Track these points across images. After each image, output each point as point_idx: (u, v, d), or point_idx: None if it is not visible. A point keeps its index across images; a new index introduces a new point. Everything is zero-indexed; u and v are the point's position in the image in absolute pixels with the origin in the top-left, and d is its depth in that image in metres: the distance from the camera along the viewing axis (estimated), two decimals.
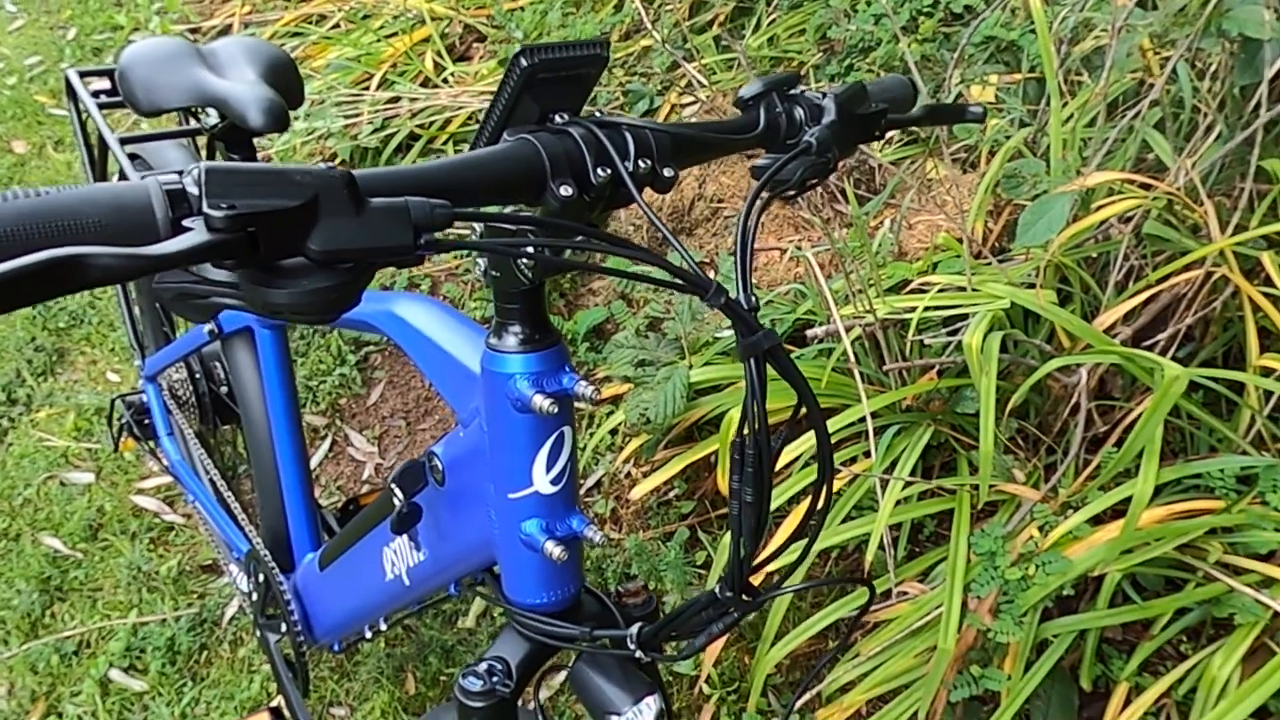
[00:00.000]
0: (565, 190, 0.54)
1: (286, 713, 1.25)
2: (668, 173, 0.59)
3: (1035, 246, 1.55)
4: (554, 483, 0.70)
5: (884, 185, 2.07)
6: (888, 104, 0.70)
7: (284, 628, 1.31)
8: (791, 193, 0.68)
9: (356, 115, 2.71)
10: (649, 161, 0.58)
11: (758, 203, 0.63)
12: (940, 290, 1.56)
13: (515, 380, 0.67)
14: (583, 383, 0.67)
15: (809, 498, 0.58)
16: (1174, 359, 1.49)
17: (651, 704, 0.72)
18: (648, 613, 0.79)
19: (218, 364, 1.58)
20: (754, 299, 0.54)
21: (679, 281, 0.52)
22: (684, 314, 1.85)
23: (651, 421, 1.67)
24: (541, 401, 0.65)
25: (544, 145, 0.54)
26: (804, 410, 0.55)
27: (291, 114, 1.08)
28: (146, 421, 1.67)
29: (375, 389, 2.22)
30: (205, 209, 0.40)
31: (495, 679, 0.73)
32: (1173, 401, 1.26)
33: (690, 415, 1.73)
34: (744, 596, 0.60)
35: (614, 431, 1.91)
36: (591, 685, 0.73)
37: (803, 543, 0.61)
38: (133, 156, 1.53)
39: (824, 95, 0.67)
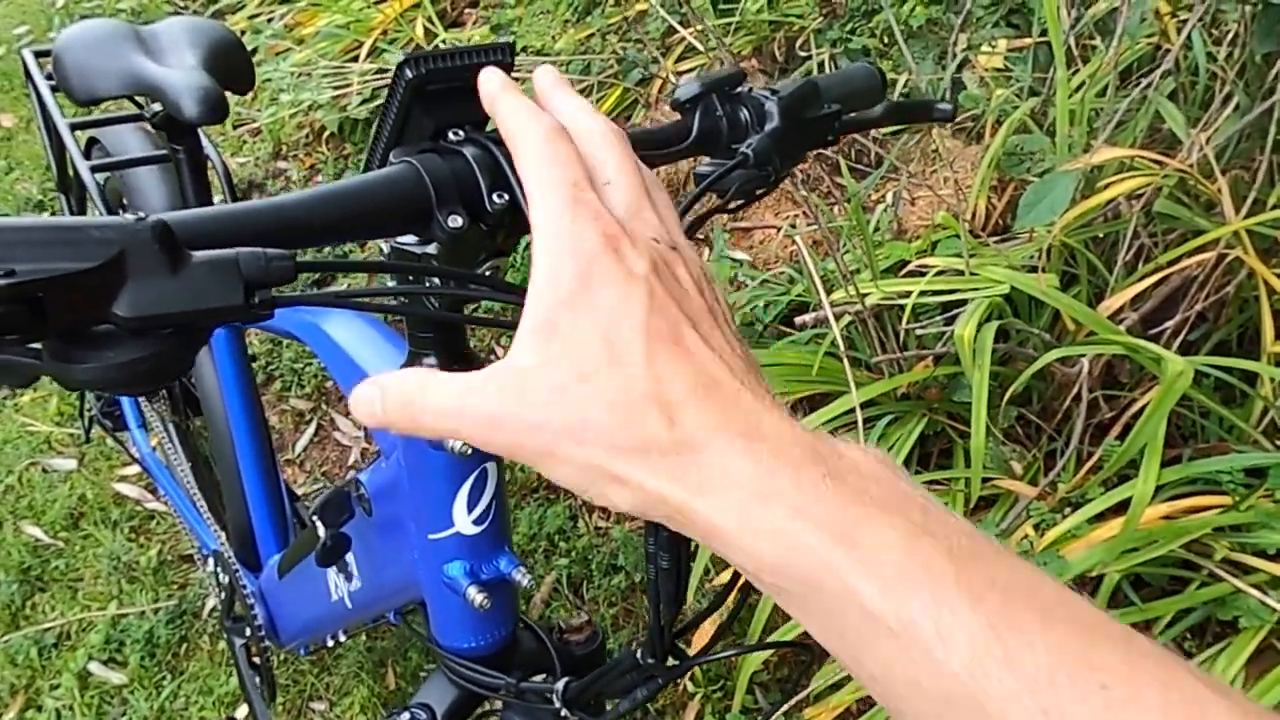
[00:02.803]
0: (454, 221, 0.47)
1: (248, 719, 1.22)
2: None
3: (1039, 227, 1.47)
4: (477, 523, 0.64)
5: (884, 158, 1.98)
6: (844, 101, 0.62)
7: (249, 631, 1.27)
8: (734, 204, 0.61)
9: (346, 86, 2.63)
10: None
11: (690, 216, 0.57)
12: (938, 273, 1.49)
13: None
14: None
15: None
16: (1184, 344, 1.42)
17: None
18: (591, 650, 0.74)
19: None
20: None
21: None
22: None
23: None
24: (453, 442, 0.59)
25: (427, 169, 0.47)
26: None
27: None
28: (116, 412, 1.62)
29: None
30: None
31: None
32: (1176, 396, 1.19)
33: None
34: (669, 661, 0.54)
35: None
36: None
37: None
38: (94, 141, 1.47)
39: (771, 94, 0.60)
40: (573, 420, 0.33)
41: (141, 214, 0.37)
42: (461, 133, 0.50)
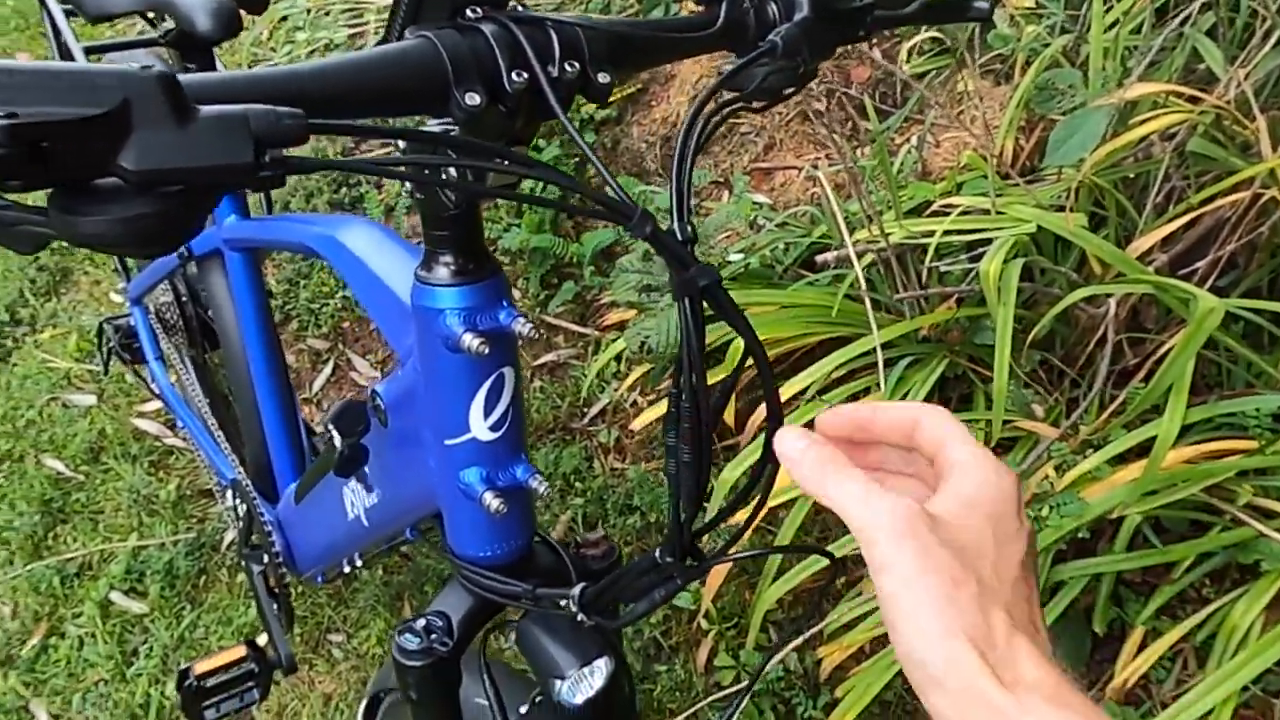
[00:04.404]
0: (472, 99, 0.46)
1: (268, 646, 1.23)
2: (603, 78, 0.51)
3: (1067, 166, 1.43)
4: (493, 429, 0.63)
5: (909, 99, 1.94)
6: None
7: (266, 558, 1.28)
8: (758, 104, 0.59)
9: (363, 23, 2.60)
10: (577, 65, 0.49)
11: (706, 114, 0.55)
12: (963, 213, 1.46)
13: (445, 316, 0.59)
14: (521, 319, 0.60)
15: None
16: (1213, 288, 1.39)
17: (602, 666, 0.67)
18: (608, 565, 0.73)
19: (204, 287, 1.53)
20: (690, 229, 0.46)
21: (600, 209, 0.44)
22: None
23: (653, 350, 1.59)
24: (472, 340, 0.58)
25: (445, 45, 0.45)
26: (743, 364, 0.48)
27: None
28: (135, 345, 1.63)
29: None
30: None
31: (434, 636, 0.68)
32: (1206, 335, 1.16)
33: None
34: (688, 561, 0.54)
35: (619, 358, 1.84)
36: (537, 645, 0.68)
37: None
38: None
39: None
40: None
41: (148, 65, 0.35)
42: (480, 10, 0.49)
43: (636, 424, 1.73)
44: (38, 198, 0.39)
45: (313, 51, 2.62)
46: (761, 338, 0.47)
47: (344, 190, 2.36)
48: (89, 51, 1.17)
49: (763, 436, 0.44)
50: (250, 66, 2.84)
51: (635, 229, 0.44)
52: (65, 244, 0.38)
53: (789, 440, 0.44)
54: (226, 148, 0.36)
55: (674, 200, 0.46)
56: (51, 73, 0.34)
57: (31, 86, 0.33)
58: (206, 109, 0.36)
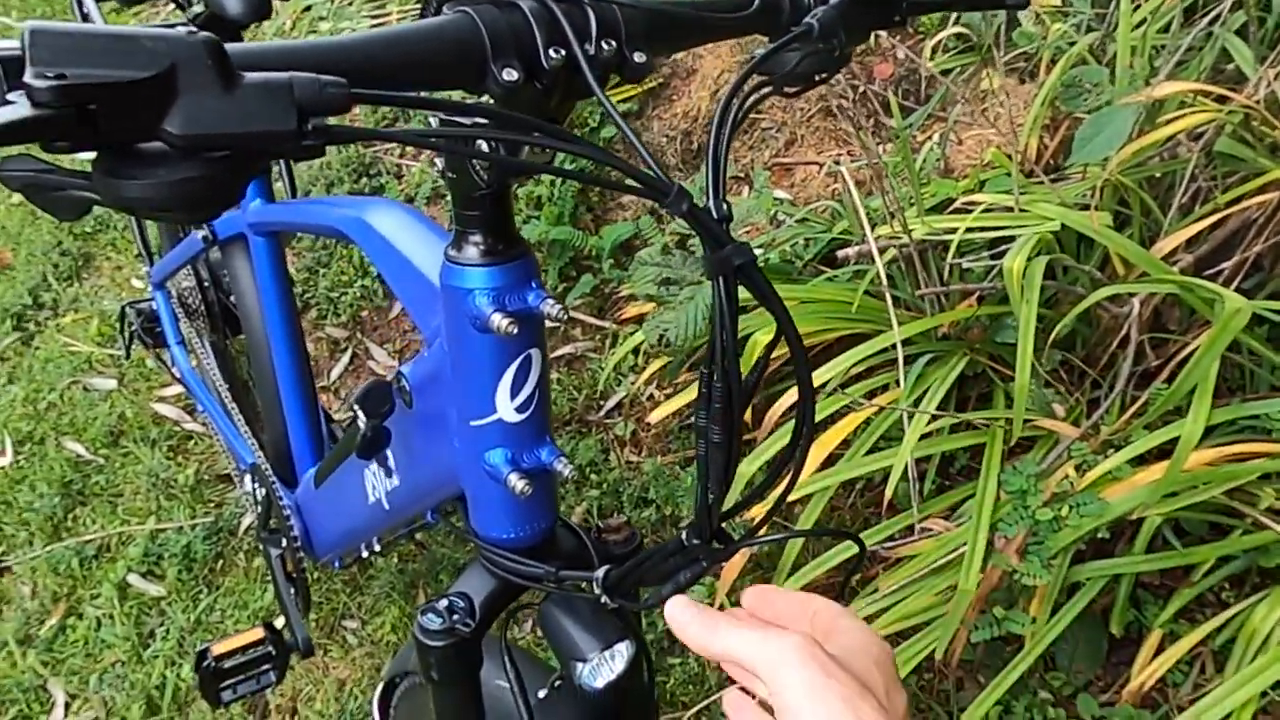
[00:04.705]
0: (509, 74, 0.46)
1: (285, 629, 1.23)
2: (639, 58, 0.51)
3: (1093, 164, 1.42)
4: (520, 410, 0.64)
5: (933, 96, 1.93)
6: None
7: (284, 542, 1.28)
8: (793, 88, 0.59)
9: (385, 13, 2.61)
10: (614, 43, 0.49)
11: (740, 97, 0.55)
12: (985, 210, 1.45)
13: (474, 296, 0.60)
14: (550, 301, 0.60)
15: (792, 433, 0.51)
16: (1238, 290, 1.38)
17: (623, 650, 0.67)
18: (629, 550, 0.73)
19: (226, 272, 1.53)
20: (726, 207, 0.46)
21: (637, 185, 0.44)
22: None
23: (671, 344, 1.59)
24: (501, 321, 0.58)
25: (484, 19, 0.46)
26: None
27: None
28: (157, 329, 1.64)
29: (397, 302, 2.17)
30: (28, 78, 0.33)
31: (456, 617, 0.68)
32: (1232, 335, 1.15)
33: None
34: (714, 544, 0.54)
35: (636, 351, 1.84)
36: (559, 627, 0.68)
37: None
38: None
39: None
40: None
41: (194, 29, 0.36)
42: None
43: (653, 417, 1.72)
44: (81, 165, 0.40)
45: None
46: None
47: (364, 180, 2.37)
48: None
49: (781, 428, 0.44)
50: None
51: (672, 205, 0.44)
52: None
53: (678, 605, 0.48)
54: (271, 114, 0.36)
55: (709, 179, 0.46)
56: (100, 35, 0.34)
57: (80, 49, 0.33)
58: (251, 75, 0.36)
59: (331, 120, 0.38)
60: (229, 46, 0.37)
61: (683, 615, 0.47)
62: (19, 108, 0.33)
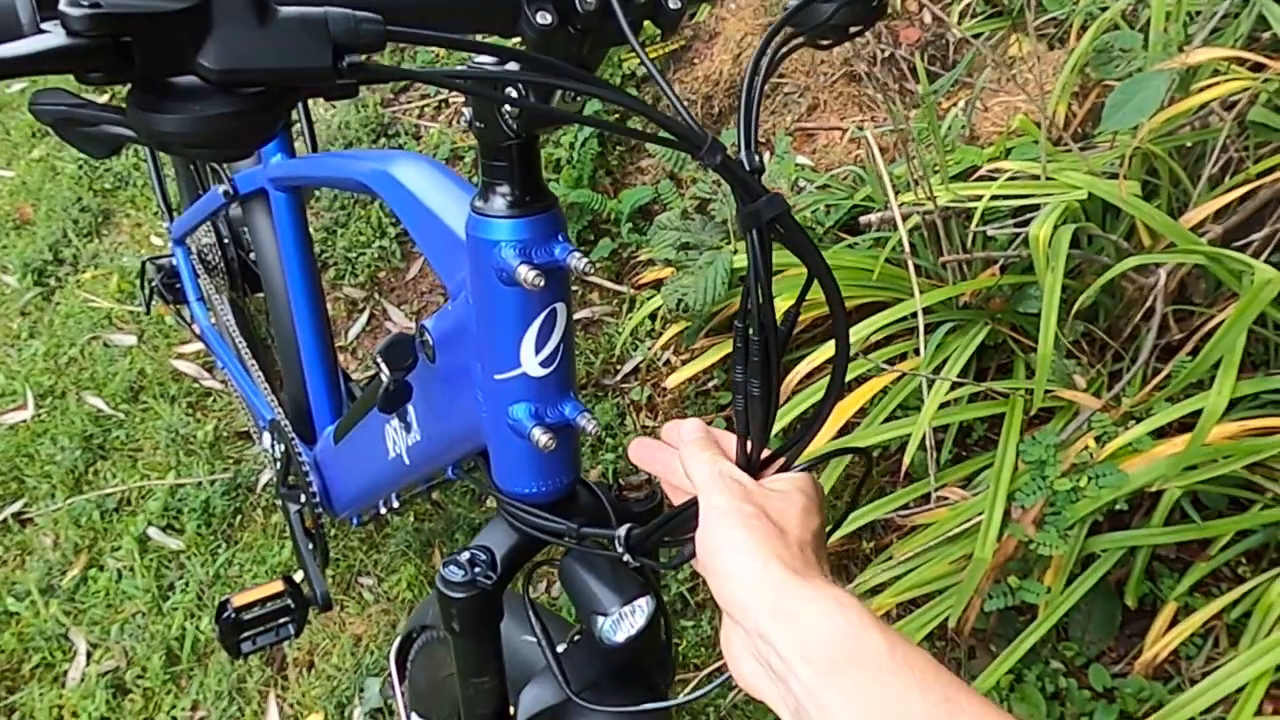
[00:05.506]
0: (543, 17, 0.45)
1: (304, 583, 1.24)
2: (673, 4, 0.50)
3: (1122, 132, 1.40)
4: (544, 364, 0.63)
5: (960, 61, 1.90)
6: None
7: (303, 498, 1.29)
8: (826, 40, 0.58)
9: None
10: None
11: (773, 48, 0.54)
12: (1011, 178, 1.43)
13: (500, 248, 0.59)
14: (576, 254, 0.60)
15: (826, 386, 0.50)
16: (1268, 263, 1.36)
17: (643, 606, 0.67)
18: (649, 508, 0.73)
19: (246, 229, 1.53)
20: (758, 159, 0.45)
21: (670, 136, 0.44)
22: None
23: (690, 309, 1.59)
24: (527, 273, 0.58)
25: None
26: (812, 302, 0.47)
27: None
28: (176, 285, 1.64)
29: (415, 263, 2.17)
30: (63, 6, 0.32)
31: (478, 569, 0.68)
32: (1261, 307, 1.14)
33: (733, 303, 1.65)
34: None
35: (653, 316, 1.84)
36: (579, 582, 0.68)
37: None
38: None
39: None
40: None
41: None
42: None
43: (670, 382, 1.72)
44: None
45: None
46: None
47: (383, 140, 2.36)
48: None
49: (799, 394, 0.44)
50: None
51: (706, 156, 0.43)
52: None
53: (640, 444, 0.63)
54: (306, 50, 0.36)
55: (740, 130, 0.46)
56: None
57: None
58: (286, 10, 0.36)
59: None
60: None
61: (690, 431, 0.56)
62: (54, 36, 0.33)
